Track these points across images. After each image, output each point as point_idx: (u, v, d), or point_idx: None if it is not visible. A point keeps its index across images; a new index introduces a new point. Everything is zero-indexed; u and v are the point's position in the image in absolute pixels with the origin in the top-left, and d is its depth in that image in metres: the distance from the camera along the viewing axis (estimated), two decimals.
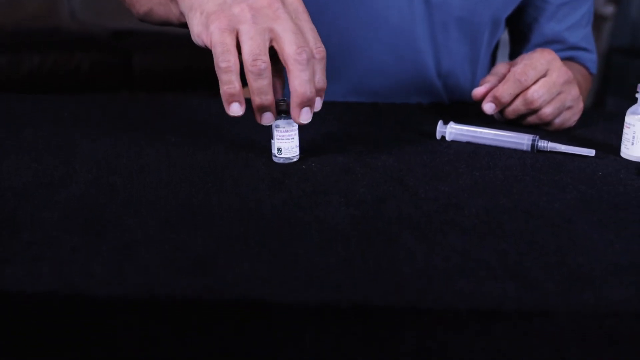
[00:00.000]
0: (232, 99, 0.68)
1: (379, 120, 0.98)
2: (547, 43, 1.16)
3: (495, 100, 0.89)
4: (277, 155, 0.76)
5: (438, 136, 0.87)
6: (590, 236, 0.58)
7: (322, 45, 0.69)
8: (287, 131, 0.75)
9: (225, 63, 0.66)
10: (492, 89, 0.90)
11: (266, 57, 0.67)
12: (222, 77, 0.67)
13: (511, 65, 0.91)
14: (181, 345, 0.49)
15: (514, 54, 1.22)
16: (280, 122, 0.75)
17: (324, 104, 1.07)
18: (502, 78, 0.90)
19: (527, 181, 0.72)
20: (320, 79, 0.70)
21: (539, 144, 0.83)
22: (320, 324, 0.49)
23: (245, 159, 0.78)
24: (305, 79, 0.68)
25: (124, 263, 0.52)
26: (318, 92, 0.70)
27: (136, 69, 2.85)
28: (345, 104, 1.08)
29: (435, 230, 0.59)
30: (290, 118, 0.74)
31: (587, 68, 1.20)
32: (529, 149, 0.83)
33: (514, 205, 0.65)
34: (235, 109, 0.69)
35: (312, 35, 0.69)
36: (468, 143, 0.86)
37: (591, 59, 1.20)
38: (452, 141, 0.87)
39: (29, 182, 0.69)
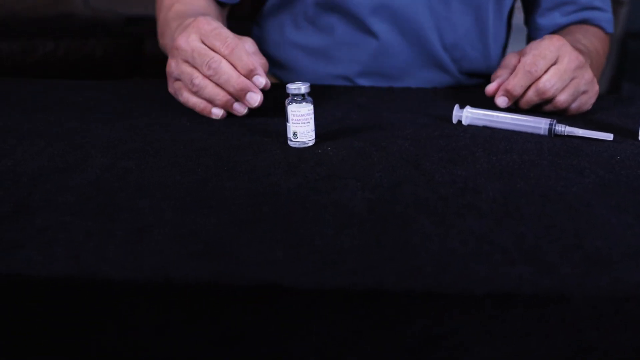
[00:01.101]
0: (205, 112, 0.88)
1: (395, 105, 0.98)
2: (559, 5, 1.15)
3: (507, 94, 0.88)
4: (293, 139, 0.76)
5: (454, 120, 0.87)
6: (609, 220, 0.58)
7: (229, 41, 0.83)
8: (302, 115, 0.75)
9: (182, 98, 0.88)
10: (503, 83, 0.89)
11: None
12: (189, 105, 0.88)
13: (521, 56, 0.90)
14: (195, 328, 0.50)
15: (528, 22, 1.21)
16: (296, 106, 0.75)
17: (340, 88, 1.07)
18: (513, 70, 0.90)
19: (544, 165, 0.72)
20: (244, 65, 0.82)
21: (557, 128, 0.82)
22: (334, 308, 0.49)
23: (260, 142, 0.78)
24: (222, 81, 0.83)
25: (138, 247, 0.53)
26: (252, 73, 0.83)
27: (148, 55, 2.85)
28: (360, 89, 1.08)
29: (451, 214, 0.59)
30: (306, 101, 0.75)
31: (603, 29, 1.17)
32: (547, 133, 0.82)
33: (531, 189, 0.65)
34: (216, 113, 0.87)
35: (218, 39, 0.83)
36: (485, 127, 0.86)
37: (606, 18, 1.16)
38: (469, 125, 0.86)
39: (44, 167, 0.70)
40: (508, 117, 0.85)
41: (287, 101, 0.75)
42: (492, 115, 0.85)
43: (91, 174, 0.68)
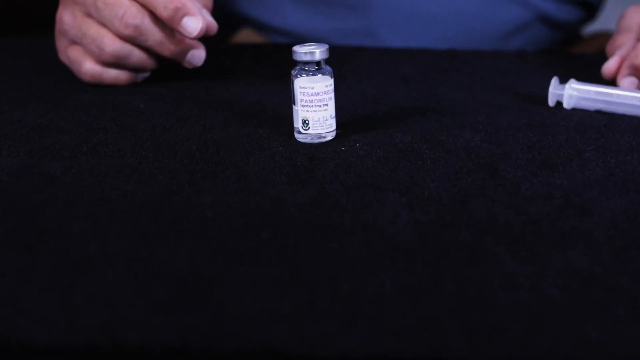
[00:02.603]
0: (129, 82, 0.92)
1: (460, 76, 0.98)
2: None
3: (637, 72, 0.88)
4: (303, 130, 0.77)
5: (551, 102, 0.87)
6: None
7: None
8: (317, 94, 0.76)
9: (85, 73, 0.89)
10: (628, 56, 0.89)
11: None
12: (98, 81, 0.90)
13: None
14: None
15: None
16: (308, 79, 0.76)
17: (373, 51, 1.07)
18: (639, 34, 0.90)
19: None
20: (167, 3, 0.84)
21: None
22: None
23: (253, 135, 0.79)
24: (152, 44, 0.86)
25: (71, 295, 0.53)
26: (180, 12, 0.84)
27: None
28: (406, 52, 1.08)
29: (546, 244, 0.59)
30: (323, 73, 0.75)
31: None
32: None
33: None
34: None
35: None
36: (598, 112, 0.86)
37: None
38: (574, 109, 0.87)
39: None
40: (635, 97, 0.85)
41: (293, 72, 0.76)
42: (610, 94, 0.86)
43: None
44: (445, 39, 1.13)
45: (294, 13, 1.16)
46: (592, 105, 0.86)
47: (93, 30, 0.85)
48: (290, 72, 0.76)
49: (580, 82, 0.87)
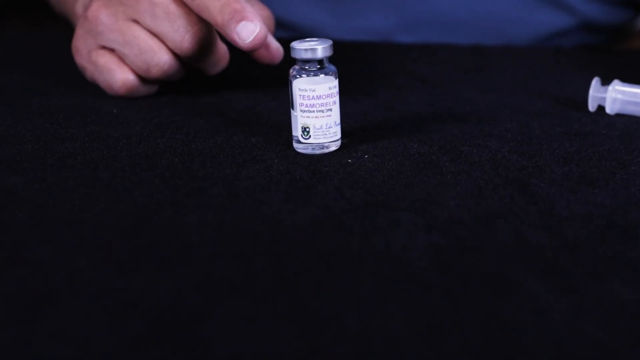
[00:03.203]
0: None
1: (484, 77, 0.98)
2: None
3: None
4: (303, 139, 0.77)
5: (592, 106, 0.87)
6: None
7: None
8: (319, 97, 0.76)
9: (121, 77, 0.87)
10: None
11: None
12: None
13: None
14: None
15: None
16: (308, 80, 0.76)
17: (383, 47, 1.08)
18: None
19: None
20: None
21: None
22: None
23: (245, 145, 0.79)
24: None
25: (38, 327, 0.54)
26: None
27: None
28: (424, 49, 1.08)
29: (586, 273, 0.59)
30: (327, 73, 0.76)
31: None
32: None
33: None
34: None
35: None
36: None
37: None
38: (618, 115, 0.87)
39: None
40: None
41: (292, 72, 0.77)
42: None
43: None
44: None
45: (309, 12, 1.17)
46: (639, 111, 0.86)
47: (142, 40, 0.84)
48: (288, 72, 0.76)
49: (625, 84, 0.87)
